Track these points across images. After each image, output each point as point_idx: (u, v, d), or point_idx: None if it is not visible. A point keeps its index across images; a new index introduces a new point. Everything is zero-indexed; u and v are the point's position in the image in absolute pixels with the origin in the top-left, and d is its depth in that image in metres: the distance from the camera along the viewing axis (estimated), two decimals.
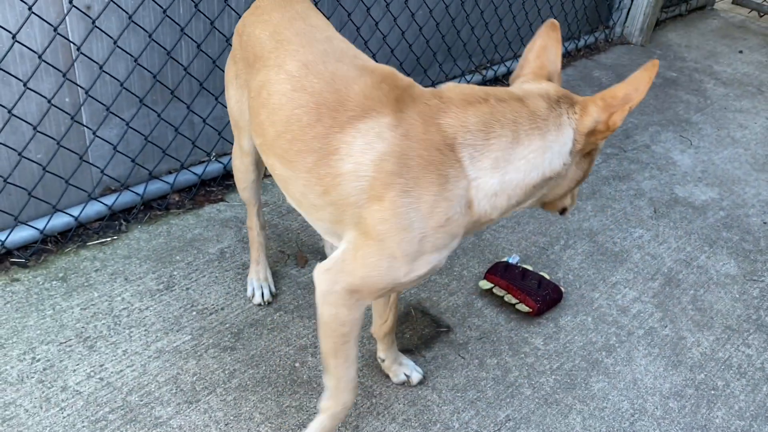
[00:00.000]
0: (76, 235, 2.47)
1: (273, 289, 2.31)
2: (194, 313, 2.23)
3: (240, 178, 2.13)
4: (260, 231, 2.25)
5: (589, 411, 2.07)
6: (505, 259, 2.55)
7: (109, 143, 2.45)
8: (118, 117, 2.44)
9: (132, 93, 2.43)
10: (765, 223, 3.07)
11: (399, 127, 1.43)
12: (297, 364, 2.10)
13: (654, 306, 2.51)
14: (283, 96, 1.56)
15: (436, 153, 1.40)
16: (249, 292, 2.30)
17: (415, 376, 2.07)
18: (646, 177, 3.31)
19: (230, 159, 2.78)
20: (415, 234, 1.44)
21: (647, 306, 2.51)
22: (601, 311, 2.46)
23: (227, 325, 2.20)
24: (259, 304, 2.28)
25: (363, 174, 1.44)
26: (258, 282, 2.29)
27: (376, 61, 1.68)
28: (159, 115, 2.54)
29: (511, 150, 1.42)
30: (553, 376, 2.17)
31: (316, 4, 2.88)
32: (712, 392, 2.19)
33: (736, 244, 2.91)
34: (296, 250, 2.55)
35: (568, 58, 4.42)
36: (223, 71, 2.32)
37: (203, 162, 2.79)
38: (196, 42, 2.53)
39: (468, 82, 3.83)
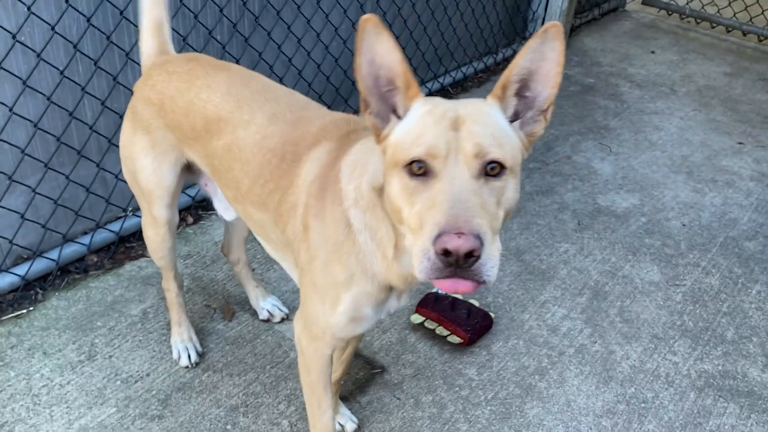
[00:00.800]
0: None
1: (199, 349, 2.26)
2: (118, 382, 2.15)
3: (155, 248, 2.08)
4: (178, 292, 2.20)
5: None
6: (434, 290, 2.55)
7: (16, 212, 2.35)
8: (23, 184, 2.35)
9: (35, 159, 2.35)
10: (684, 225, 3.17)
11: (334, 152, 1.51)
12: (228, 427, 2.05)
13: (583, 322, 2.55)
14: (255, 146, 1.63)
15: (333, 173, 1.48)
16: (175, 355, 2.24)
17: (350, 426, 2.05)
18: (569, 189, 3.37)
19: None
20: (322, 261, 1.49)
21: (576, 323, 2.55)
22: (532, 333, 2.49)
23: (154, 392, 2.13)
24: (186, 366, 2.22)
25: (301, 202, 1.53)
26: (183, 344, 2.23)
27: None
28: (67, 177, 2.45)
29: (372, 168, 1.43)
30: (488, 407, 2.19)
31: (224, 47, 2.84)
32: (643, 405, 2.24)
33: (658, 249, 2.99)
34: (222, 303, 2.50)
35: (488, 72, 4.48)
36: None
37: (120, 218, 2.71)
38: (99, 99, 2.46)
39: None
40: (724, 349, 2.48)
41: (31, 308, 2.40)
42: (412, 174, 1.19)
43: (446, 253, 1.08)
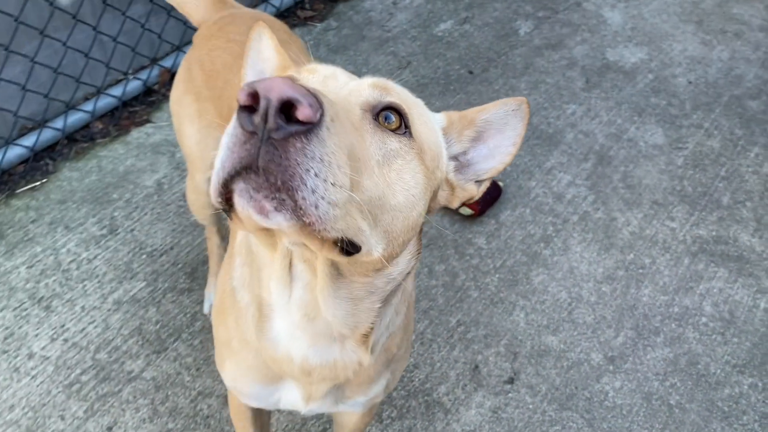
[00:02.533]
0: (2, 183, 2.36)
1: None
2: (144, 256, 2.23)
3: (196, 211, 1.96)
4: (220, 243, 2.07)
5: (531, 305, 2.25)
6: None
7: (16, 83, 2.26)
8: (20, 54, 2.23)
9: (29, 26, 2.20)
10: (690, 83, 3.15)
11: None
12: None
13: (587, 189, 2.63)
14: None
15: None
16: (205, 309, 2.10)
17: None
18: (578, 42, 3.28)
19: (150, 73, 2.63)
20: (215, 310, 1.26)
21: (581, 189, 2.63)
22: (538, 201, 2.57)
23: (180, 266, 2.22)
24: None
25: None
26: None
27: None
28: (65, 44, 2.33)
29: None
30: (497, 275, 2.33)
31: None
32: (640, 271, 2.40)
33: (664, 110, 3.00)
34: None
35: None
36: None
37: (121, 81, 2.62)
38: None
39: None
40: (719, 214, 2.60)
41: (45, 180, 2.40)
42: None
43: (254, 100, 0.67)
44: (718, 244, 2.50)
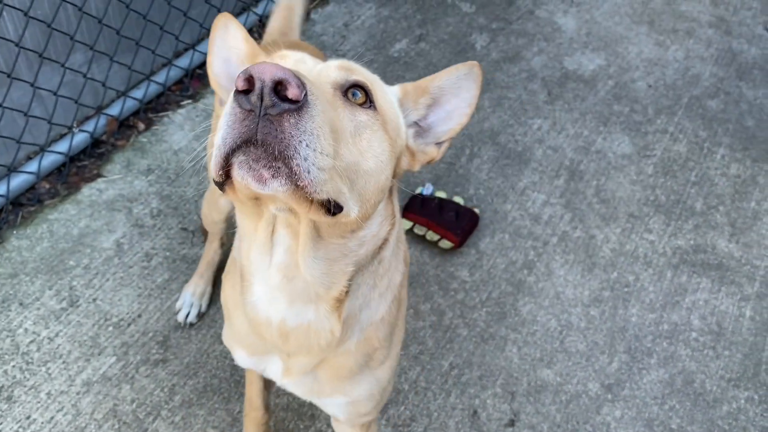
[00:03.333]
0: None
1: (203, 309, 2.12)
2: (110, 328, 2.07)
3: (207, 224, 2.03)
4: (218, 250, 2.13)
5: (522, 338, 2.19)
6: (419, 190, 2.49)
7: None
8: None
9: None
10: (650, 86, 3.14)
11: None
12: None
13: (563, 207, 2.59)
14: None
15: None
16: (178, 305, 2.10)
17: None
18: (535, 52, 3.24)
19: (96, 123, 2.47)
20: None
21: (556, 208, 2.58)
22: (516, 224, 2.51)
23: (150, 335, 2.07)
24: (180, 323, 2.09)
25: None
26: (192, 297, 2.10)
27: None
28: (0, 105, 2.14)
29: None
30: (484, 309, 2.25)
31: None
32: (626, 290, 2.36)
33: (627, 117, 2.98)
34: (198, 224, 2.37)
35: None
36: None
37: (65, 136, 2.44)
38: (21, 10, 2.07)
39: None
40: (695, 221, 2.59)
41: None
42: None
43: (249, 83, 0.77)
44: (698, 254, 2.48)
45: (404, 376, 2.06)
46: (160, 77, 2.69)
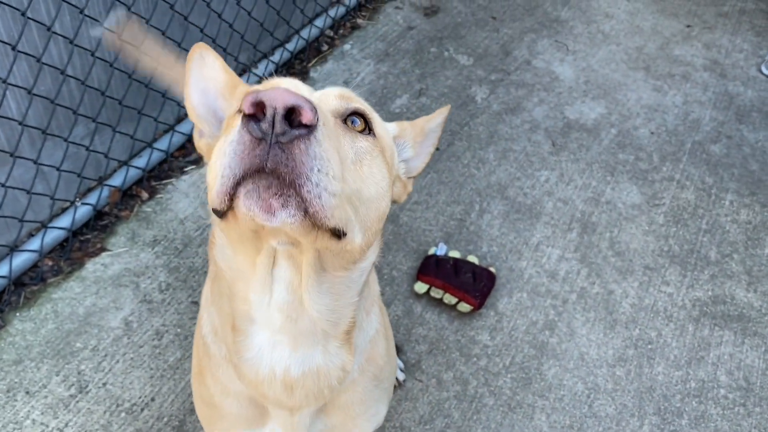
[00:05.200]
0: None
1: None
2: (122, 414, 1.98)
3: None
4: None
5: (550, 405, 2.12)
6: (432, 251, 2.44)
7: None
8: None
9: None
10: (652, 133, 3.14)
11: None
12: None
13: (578, 262, 2.55)
14: None
15: None
16: None
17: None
18: (536, 103, 3.23)
19: (99, 195, 2.41)
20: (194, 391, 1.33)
21: (572, 264, 2.54)
22: (533, 282, 2.46)
23: (165, 420, 1.98)
24: None
25: None
26: None
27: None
28: (3, 185, 2.06)
29: None
30: (509, 375, 2.19)
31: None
32: (649, 347, 2.31)
33: (633, 165, 2.97)
34: None
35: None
36: None
37: (67, 210, 2.36)
38: (25, 89, 2.02)
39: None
40: (710, 271, 2.56)
41: None
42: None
43: (258, 109, 0.73)
44: (717, 305, 2.45)
45: None
46: (163, 144, 2.64)
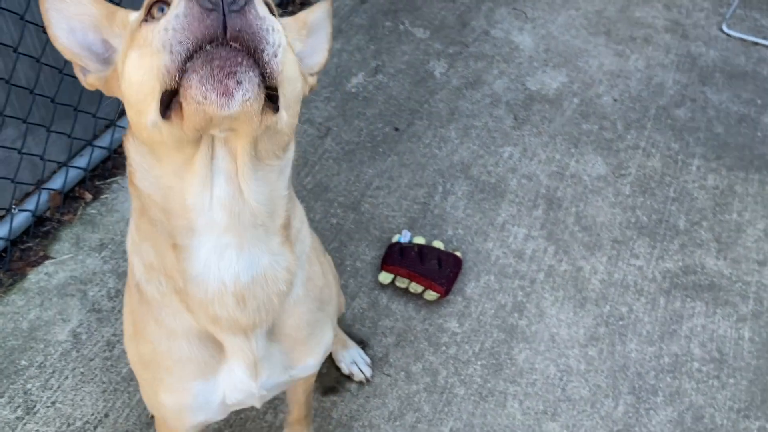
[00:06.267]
0: None
1: None
2: None
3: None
4: None
5: (523, 391, 2.06)
6: (396, 239, 2.35)
7: None
8: None
9: None
10: (615, 100, 3.07)
11: None
12: None
13: (545, 239, 2.48)
14: None
15: None
16: None
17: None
18: (496, 75, 3.13)
19: (38, 200, 2.27)
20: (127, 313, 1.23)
21: (539, 242, 2.47)
22: (500, 264, 2.39)
23: None
24: None
25: None
26: None
27: None
28: None
29: None
30: (479, 362, 2.12)
31: None
32: (621, 323, 2.26)
33: (597, 135, 2.89)
34: None
35: None
36: None
37: (3, 219, 2.22)
38: None
39: None
40: (680, 241, 2.51)
41: None
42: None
43: None
44: (688, 275, 2.40)
45: None
46: (104, 141, 2.49)
